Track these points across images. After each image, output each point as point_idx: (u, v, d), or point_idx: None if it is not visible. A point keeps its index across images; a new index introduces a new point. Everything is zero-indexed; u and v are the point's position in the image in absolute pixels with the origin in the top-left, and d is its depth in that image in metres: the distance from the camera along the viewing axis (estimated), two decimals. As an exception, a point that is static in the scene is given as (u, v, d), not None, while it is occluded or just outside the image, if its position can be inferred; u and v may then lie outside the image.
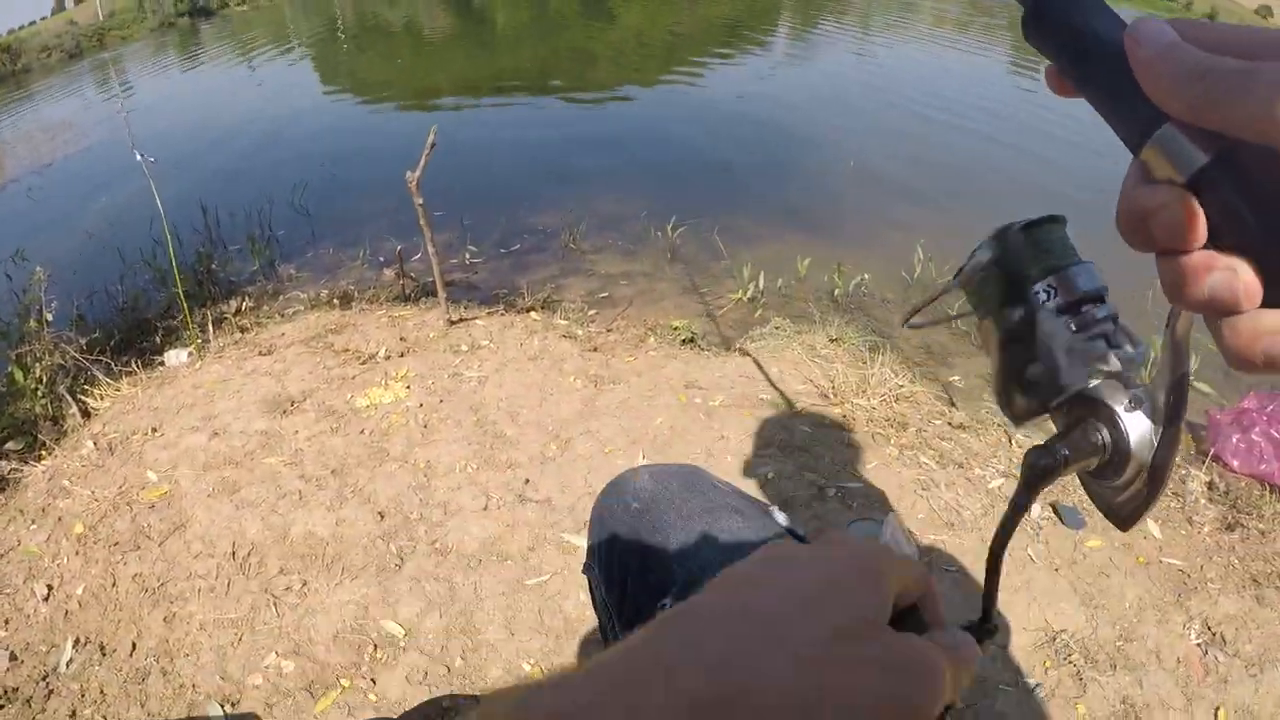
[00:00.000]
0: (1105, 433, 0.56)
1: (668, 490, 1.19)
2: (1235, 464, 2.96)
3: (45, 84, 11.03)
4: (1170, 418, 0.53)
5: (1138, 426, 0.54)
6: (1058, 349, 0.57)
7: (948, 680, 0.47)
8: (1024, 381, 0.60)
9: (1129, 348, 0.56)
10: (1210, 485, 2.90)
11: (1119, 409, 0.55)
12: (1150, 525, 2.68)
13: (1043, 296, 0.58)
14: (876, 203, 6.03)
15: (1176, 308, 0.47)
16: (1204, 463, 2.99)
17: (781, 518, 1.18)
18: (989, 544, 0.58)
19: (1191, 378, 0.56)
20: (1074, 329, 0.57)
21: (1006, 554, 0.60)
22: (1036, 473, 0.56)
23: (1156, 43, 0.37)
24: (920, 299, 0.65)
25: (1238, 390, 3.47)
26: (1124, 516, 0.59)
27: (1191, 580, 2.47)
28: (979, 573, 2.44)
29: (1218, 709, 2.10)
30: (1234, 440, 2.98)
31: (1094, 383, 0.56)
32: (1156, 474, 0.55)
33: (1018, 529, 0.57)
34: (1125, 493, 0.58)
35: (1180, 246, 0.37)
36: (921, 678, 0.46)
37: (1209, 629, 2.32)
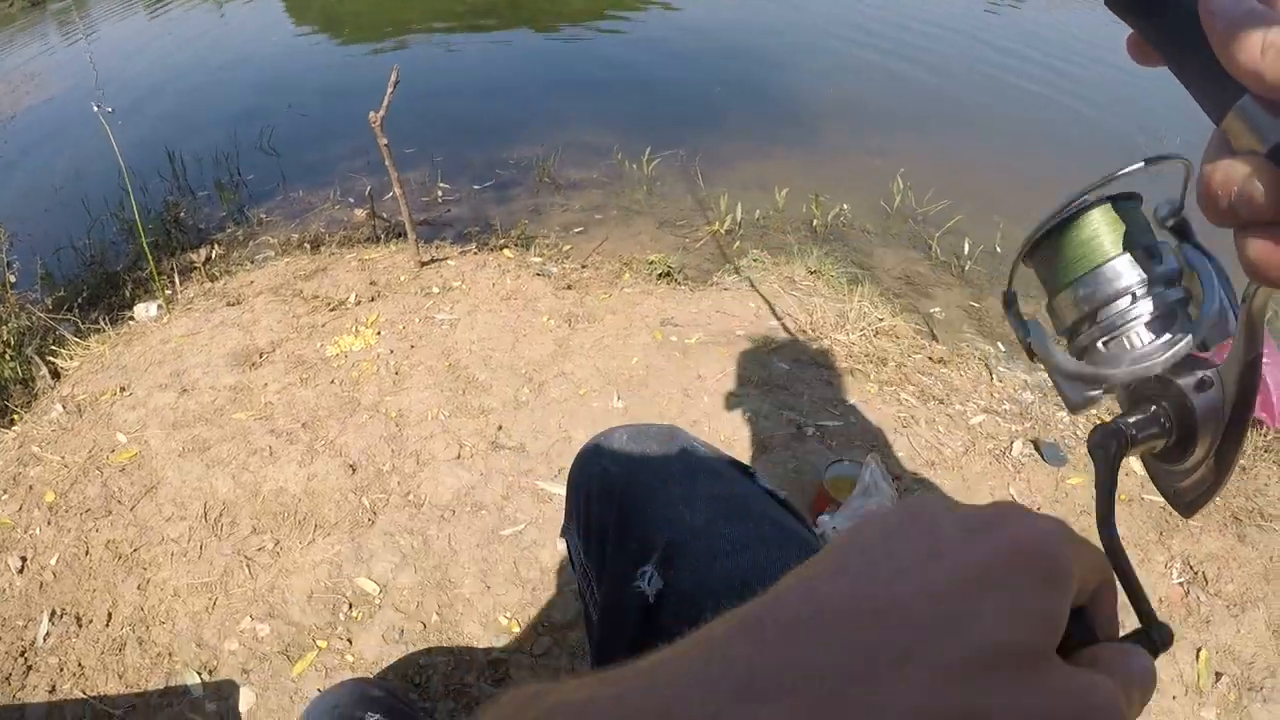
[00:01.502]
0: (1173, 412, 0.53)
1: (646, 453, 1.16)
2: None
3: (6, 34, 10.79)
4: (1240, 400, 0.50)
5: (1206, 408, 0.51)
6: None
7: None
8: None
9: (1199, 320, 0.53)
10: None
11: (1187, 388, 0.52)
12: (1132, 461, 2.66)
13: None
14: (856, 131, 5.92)
15: (1254, 285, 0.44)
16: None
17: (763, 481, 1.16)
18: (1100, 546, 0.51)
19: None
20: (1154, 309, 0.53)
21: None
22: (1102, 456, 0.52)
23: (1229, 13, 0.35)
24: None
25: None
26: (1188, 503, 0.56)
27: (1173, 518, 2.47)
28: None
29: (1199, 649, 2.11)
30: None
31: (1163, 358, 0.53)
32: (1224, 459, 0.51)
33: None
34: (1190, 477, 0.55)
35: (1262, 219, 0.35)
36: None
37: (1190, 568, 2.32)
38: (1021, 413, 2.88)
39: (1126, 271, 0.53)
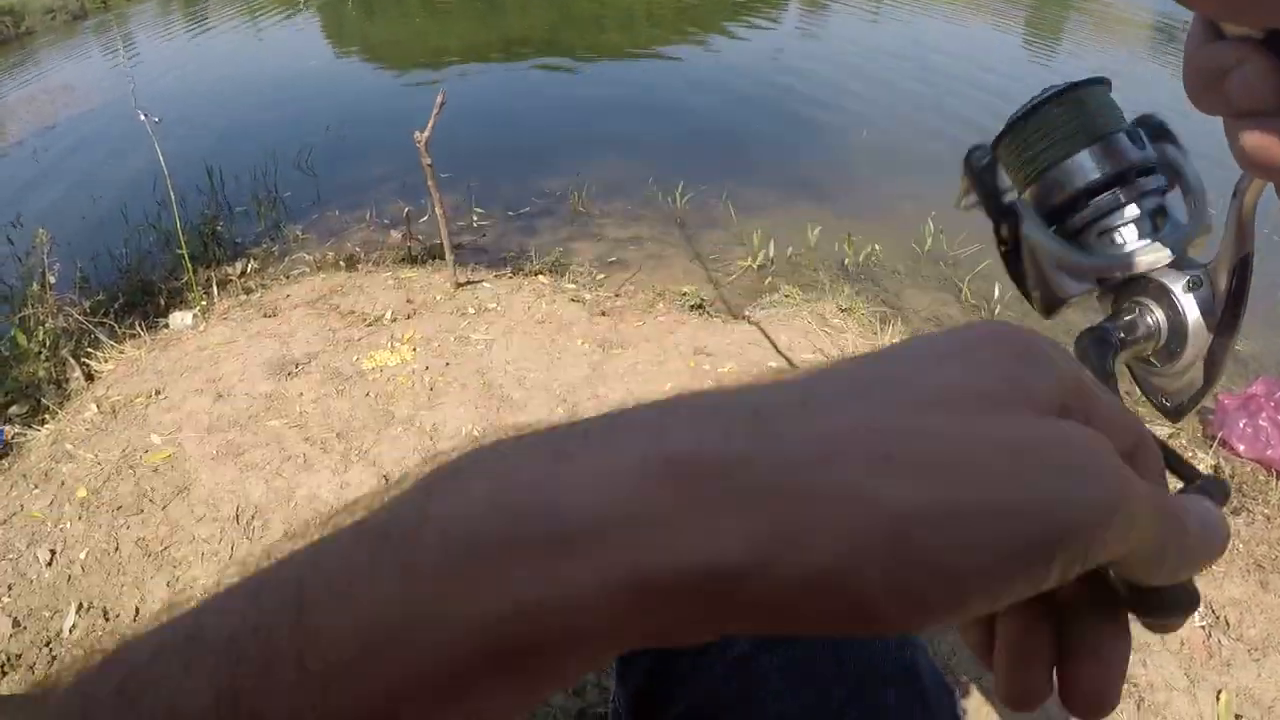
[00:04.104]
0: (1161, 315, 0.52)
1: None
2: (1241, 449, 2.95)
3: (49, 46, 10.92)
4: (1231, 300, 0.49)
5: (1196, 309, 0.50)
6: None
7: (1143, 519, 0.30)
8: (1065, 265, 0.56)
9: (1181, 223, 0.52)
10: (1216, 469, 2.88)
11: (1176, 289, 0.51)
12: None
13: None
14: (889, 173, 5.93)
15: (1248, 178, 0.44)
16: (1210, 447, 2.97)
17: None
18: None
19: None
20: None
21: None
22: (1094, 360, 0.51)
23: None
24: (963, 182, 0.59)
25: (1246, 376, 3.43)
26: (1177, 406, 0.55)
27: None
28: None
29: (1220, 692, 2.08)
30: (1241, 425, 2.97)
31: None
32: (1214, 360, 0.51)
33: None
34: (1179, 380, 0.54)
35: (1259, 107, 0.33)
36: (1081, 473, 0.29)
37: (1213, 612, 2.30)
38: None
39: (1105, 156, 0.53)
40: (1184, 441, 3.02)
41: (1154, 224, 0.53)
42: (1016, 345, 0.32)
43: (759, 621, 0.28)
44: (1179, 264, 0.51)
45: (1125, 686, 2.00)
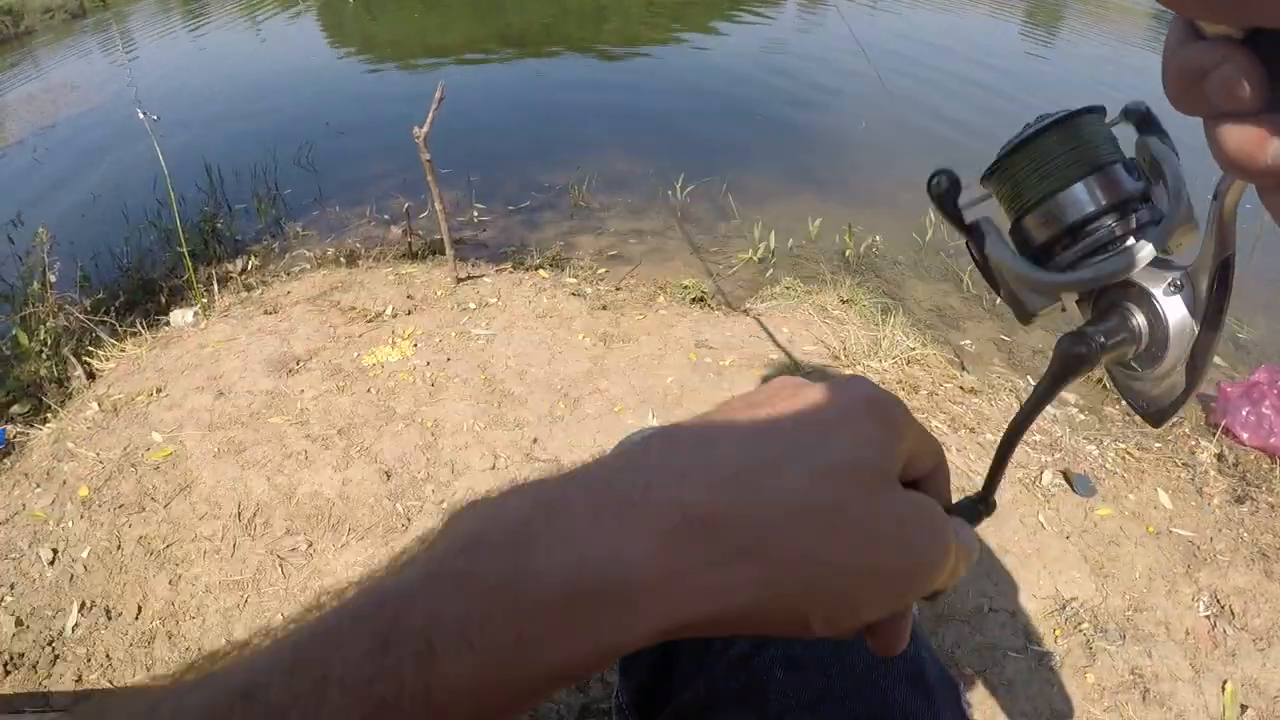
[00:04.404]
0: (1142, 318, 0.51)
1: None
2: (1245, 437, 2.94)
3: (48, 45, 10.91)
4: (1213, 303, 0.49)
5: (1177, 312, 0.50)
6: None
7: (950, 557, 0.46)
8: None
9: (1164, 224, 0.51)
10: (1220, 457, 2.87)
11: (1157, 292, 0.50)
12: (1161, 495, 2.66)
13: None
14: (888, 164, 5.92)
15: (1228, 179, 0.43)
16: (1214, 435, 2.96)
17: None
18: (1010, 429, 0.54)
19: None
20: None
21: (1019, 445, 0.55)
22: (1069, 362, 0.51)
23: None
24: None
25: (1249, 364, 3.43)
26: (1158, 411, 0.55)
27: (1201, 552, 2.45)
28: (991, 542, 2.41)
29: (1225, 682, 2.08)
30: (1244, 413, 2.96)
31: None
32: (1196, 364, 0.50)
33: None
34: (1160, 385, 0.54)
35: (1240, 108, 0.33)
36: (933, 536, 0.45)
37: (1218, 601, 2.30)
38: (1052, 444, 2.86)
39: (1098, 191, 0.52)
40: (1187, 430, 3.02)
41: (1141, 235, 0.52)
42: (883, 414, 0.47)
43: (727, 632, 0.41)
44: (1160, 266, 0.51)
45: (1130, 678, 2.01)
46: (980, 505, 0.54)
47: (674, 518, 0.39)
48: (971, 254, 0.61)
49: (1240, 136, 0.33)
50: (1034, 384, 0.60)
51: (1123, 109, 0.54)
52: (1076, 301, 0.56)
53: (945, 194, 0.58)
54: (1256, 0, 0.30)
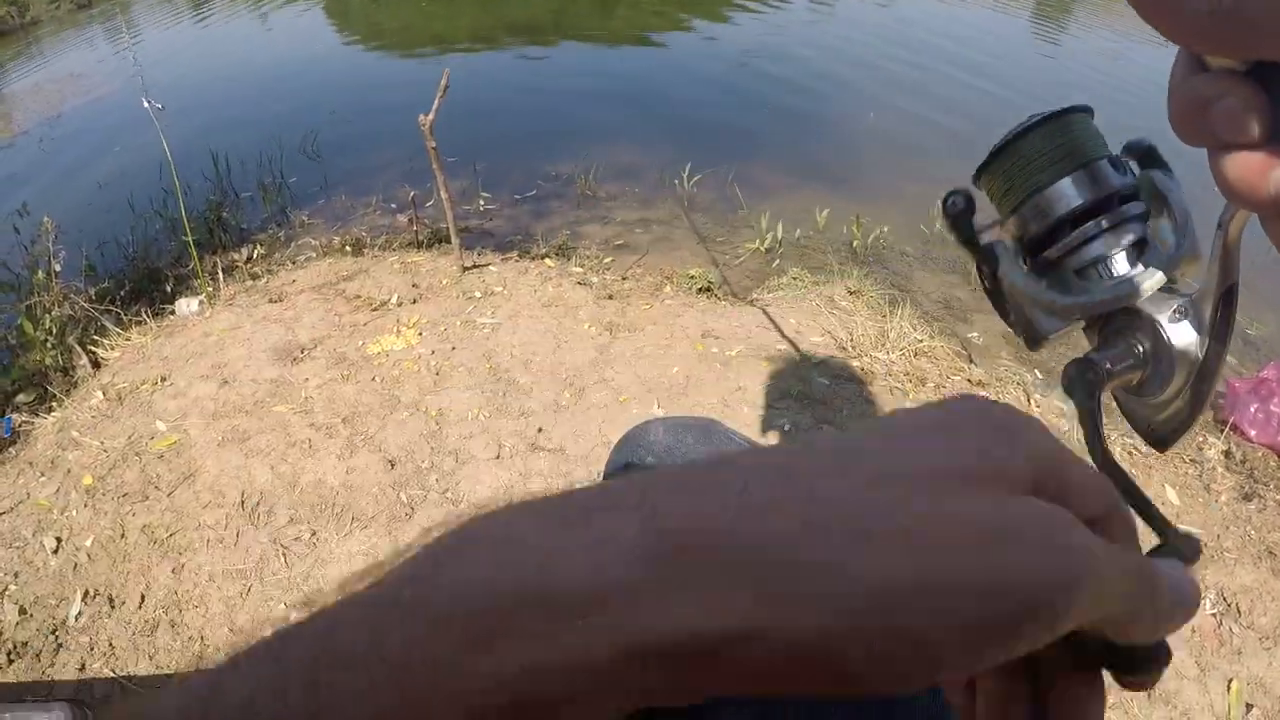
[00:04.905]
0: (1148, 345, 0.52)
1: (683, 444, 1.14)
2: (1253, 434, 2.92)
3: (54, 35, 10.92)
4: (1218, 330, 0.49)
5: (1183, 338, 0.50)
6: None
7: (1112, 587, 0.33)
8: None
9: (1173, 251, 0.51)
10: (1227, 454, 2.86)
11: (1163, 319, 0.51)
12: (1168, 491, 2.64)
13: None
14: (896, 156, 5.90)
15: (1232, 208, 0.44)
16: (1222, 432, 2.94)
17: None
18: (1099, 468, 0.49)
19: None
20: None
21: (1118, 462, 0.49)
22: (1081, 390, 0.51)
23: None
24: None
25: (1257, 360, 3.41)
26: (1163, 436, 0.55)
27: (1209, 549, 2.44)
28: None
29: (1230, 681, 2.07)
30: (1252, 410, 2.94)
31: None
32: (1200, 390, 0.51)
33: (1095, 430, 0.50)
34: (1166, 410, 0.54)
35: (1243, 139, 0.33)
36: (1050, 548, 0.31)
37: (1225, 600, 2.29)
38: (1059, 437, 2.84)
39: (1087, 183, 0.53)
40: (1194, 428, 3.00)
41: (1138, 253, 0.53)
42: (993, 422, 0.36)
43: (746, 685, 0.29)
44: (1165, 293, 0.51)
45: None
46: (1182, 547, 0.44)
47: (634, 528, 0.30)
48: (981, 279, 0.60)
49: (1242, 166, 0.34)
50: (1040, 378, 0.59)
51: (1125, 145, 0.56)
52: (1084, 328, 0.57)
53: (961, 215, 0.58)
54: (1257, 34, 0.30)
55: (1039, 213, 0.55)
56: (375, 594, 0.31)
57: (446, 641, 0.28)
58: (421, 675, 0.28)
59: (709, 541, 0.30)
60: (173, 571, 2.27)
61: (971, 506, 0.32)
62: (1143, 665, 0.36)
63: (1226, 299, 0.48)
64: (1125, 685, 0.37)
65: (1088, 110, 0.55)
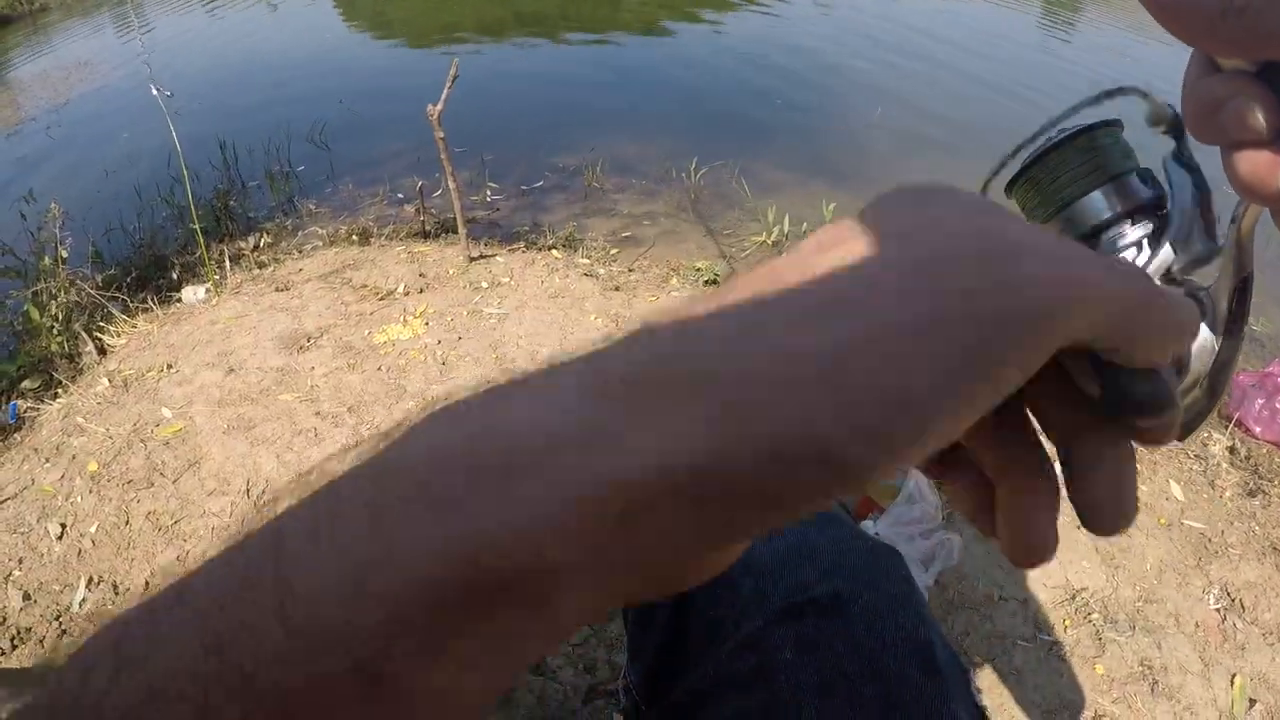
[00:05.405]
0: None
1: None
2: (1258, 430, 2.90)
3: (63, 22, 10.91)
4: (1232, 323, 0.50)
5: (1200, 330, 0.50)
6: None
7: (1099, 292, 0.31)
8: None
9: (1198, 246, 0.53)
10: (1232, 450, 2.84)
11: None
12: (1173, 486, 2.64)
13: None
14: (903, 152, 5.88)
15: (1244, 203, 0.45)
16: (1227, 427, 2.93)
17: None
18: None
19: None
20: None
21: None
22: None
23: None
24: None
25: (1262, 356, 3.40)
26: (1180, 427, 0.55)
27: (1212, 545, 2.44)
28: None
29: (1234, 676, 2.07)
30: (1257, 406, 2.92)
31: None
32: (1216, 382, 0.52)
33: None
34: (1184, 400, 0.53)
35: (1253, 137, 0.35)
36: (1043, 255, 0.30)
37: (1228, 595, 2.29)
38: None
39: (1117, 195, 0.55)
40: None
41: (1153, 245, 0.55)
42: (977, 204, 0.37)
43: (738, 513, 0.27)
44: (1183, 285, 0.53)
45: (1139, 669, 1.99)
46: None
47: (574, 375, 0.29)
48: None
49: (1253, 164, 0.35)
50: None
51: (1149, 116, 0.56)
52: None
53: None
54: (1268, 36, 0.31)
55: (1070, 223, 0.56)
56: (339, 474, 0.30)
57: (402, 512, 0.26)
58: (378, 549, 0.26)
59: (655, 373, 0.28)
60: (177, 558, 2.27)
61: (913, 245, 0.32)
62: (1143, 399, 0.34)
63: (1241, 290, 0.49)
64: (1139, 437, 0.37)
65: (1117, 124, 0.57)
